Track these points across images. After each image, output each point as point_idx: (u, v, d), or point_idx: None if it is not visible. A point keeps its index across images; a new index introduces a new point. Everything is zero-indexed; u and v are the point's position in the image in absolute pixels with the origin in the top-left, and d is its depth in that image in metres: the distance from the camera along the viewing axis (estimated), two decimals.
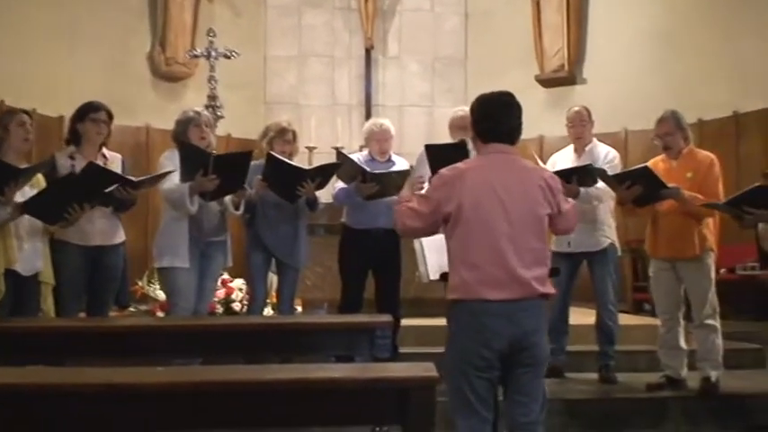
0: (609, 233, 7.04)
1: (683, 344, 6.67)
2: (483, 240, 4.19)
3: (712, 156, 6.57)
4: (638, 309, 10.58)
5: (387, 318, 5.27)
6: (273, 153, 6.52)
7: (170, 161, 6.19)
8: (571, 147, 7.26)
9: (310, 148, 11.03)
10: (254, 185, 6.48)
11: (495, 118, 4.36)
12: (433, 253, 5.41)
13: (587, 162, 6.80)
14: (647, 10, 12.14)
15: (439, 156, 6.32)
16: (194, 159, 6.03)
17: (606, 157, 7.00)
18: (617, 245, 7.15)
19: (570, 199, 4.95)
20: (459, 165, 4.53)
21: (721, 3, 11.33)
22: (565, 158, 7.16)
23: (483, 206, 4.20)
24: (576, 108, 7.31)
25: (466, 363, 4.21)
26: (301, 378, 3.70)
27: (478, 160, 4.45)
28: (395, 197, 6.54)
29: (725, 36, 11.23)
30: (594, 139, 7.22)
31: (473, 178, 4.27)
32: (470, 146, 6.51)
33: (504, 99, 4.40)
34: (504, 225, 4.19)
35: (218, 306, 7.88)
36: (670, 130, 6.55)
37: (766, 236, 5.92)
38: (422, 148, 6.71)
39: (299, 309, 7.98)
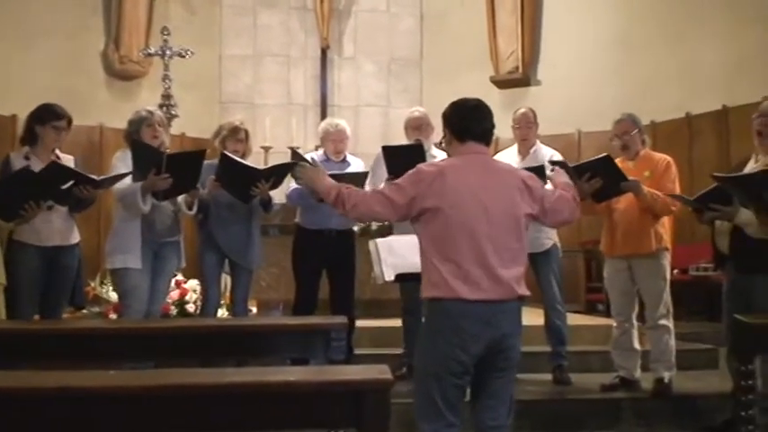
0: (551, 234, 7.04)
1: (636, 345, 6.70)
2: (463, 239, 4.19)
3: (669, 158, 6.60)
4: (591, 309, 10.65)
5: (342, 319, 5.23)
6: (227, 152, 6.47)
7: (122, 162, 6.13)
8: (514, 148, 7.26)
9: (266, 148, 10.98)
10: (207, 185, 6.42)
11: (470, 118, 4.41)
12: (388, 254, 5.39)
13: (531, 164, 6.77)
14: (600, 14, 12.26)
15: (396, 157, 6.32)
16: (147, 158, 5.98)
17: (551, 159, 6.99)
18: (558, 245, 7.18)
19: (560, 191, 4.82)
20: (439, 162, 4.61)
21: (673, 7, 11.45)
22: (508, 159, 7.09)
23: (463, 205, 4.21)
24: (523, 110, 7.32)
25: (441, 367, 4.20)
26: (256, 381, 3.66)
27: (457, 160, 4.44)
28: None
29: (677, 39, 11.36)
30: (538, 142, 7.23)
31: (454, 177, 4.27)
32: (426, 146, 6.56)
33: (476, 102, 4.49)
34: (484, 225, 4.20)
35: (172, 307, 7.81)
36: (629, 128, 6.57)
37: (723, 232, 5.91)
38: (377, 149, 6.71)
39: (254, 310, 7.93)
